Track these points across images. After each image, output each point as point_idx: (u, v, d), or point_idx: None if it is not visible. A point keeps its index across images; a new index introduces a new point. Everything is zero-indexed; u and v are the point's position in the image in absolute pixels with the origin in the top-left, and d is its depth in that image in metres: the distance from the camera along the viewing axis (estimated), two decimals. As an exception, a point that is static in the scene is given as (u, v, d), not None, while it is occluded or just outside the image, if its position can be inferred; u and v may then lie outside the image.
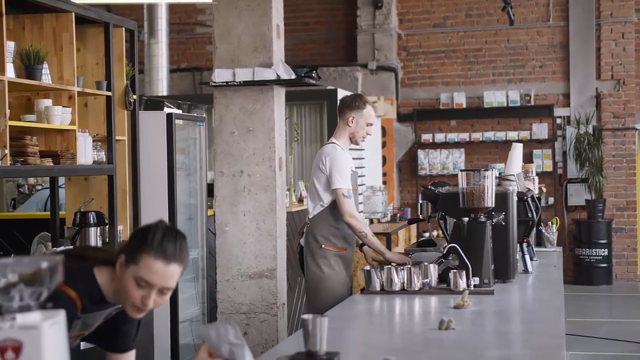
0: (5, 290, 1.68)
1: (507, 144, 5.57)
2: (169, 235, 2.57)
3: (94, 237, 5.20)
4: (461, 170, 4.35)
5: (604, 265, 11.93)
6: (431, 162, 12.58)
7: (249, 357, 2.33)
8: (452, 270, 4.11)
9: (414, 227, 10.59)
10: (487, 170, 4.30)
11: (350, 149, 8.87)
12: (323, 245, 5.06)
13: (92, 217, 5.23)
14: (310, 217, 5.18)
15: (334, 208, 5.02)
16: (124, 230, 5.63)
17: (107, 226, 5.37)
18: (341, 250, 5.10)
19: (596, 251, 11.89)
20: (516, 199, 4.59)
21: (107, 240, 5.39)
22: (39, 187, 8.04)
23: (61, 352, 1.69)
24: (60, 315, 1.70)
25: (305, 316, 2.64)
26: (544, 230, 6.21)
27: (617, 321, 9.69)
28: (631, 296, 11.44)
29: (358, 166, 9.77)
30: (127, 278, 2.54)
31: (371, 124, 5.20)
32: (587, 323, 9.36)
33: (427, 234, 10.44)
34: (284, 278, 5.69)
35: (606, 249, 11.92)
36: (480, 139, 12.43)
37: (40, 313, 1.69)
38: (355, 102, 5.18)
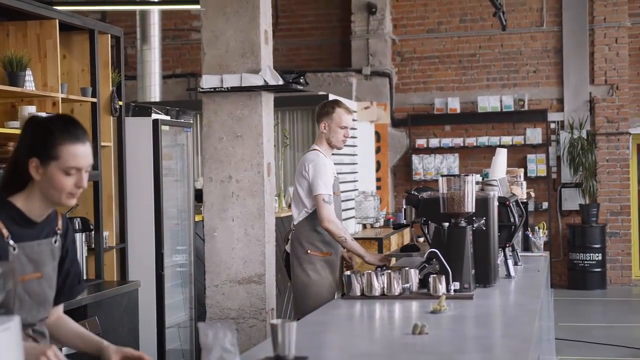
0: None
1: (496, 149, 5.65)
2: (67, 121, 2.66)
3: (80, 243, 5.21)
4: (442, 176, 4.37)
5: (598, 269, 11.94)
6: (425, 167, 12.60)
7: None
8: (431, 275, 4.12)
9: (407, 232, 10.60)
10: (468, 175, 4.31)
11: (341, 154, 8.88)
12: (309, 251, 5.13)
13: (77, 223, 5.24)
14: (295, 223, 5.24)
15: None
16: (109, 236, 5.65)
17: (92, 232, 5.39)
18: (327, 255, 5.15)
19: (590, 256, 11.89)
20: (497, 204, 4.60)
21: (92, 246, 5.41)
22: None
23: (14, 357, 1.70)
24: (14, 321, 1.72)
25: (273, 321, 2.67)
26: (530, 235, 6.21)
27: (610, 326, 9.69)
28: (625, 301, 11.44)
29: (351, 171, 9.81)
30: (53, 174, 2.60)
31: (345, 127, 5.22)
32: (580, 327, 9.36)
33: (421, 239, 10.44)
34: (272, 283, 5.71)
35: (600, 254, 11.92)
36: (475, 144, 12.45)
37: (-8, 319, 1.71)
38: (324, 108, 5.26)
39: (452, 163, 12.52)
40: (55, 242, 2.74)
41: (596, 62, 12.32)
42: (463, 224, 4.29)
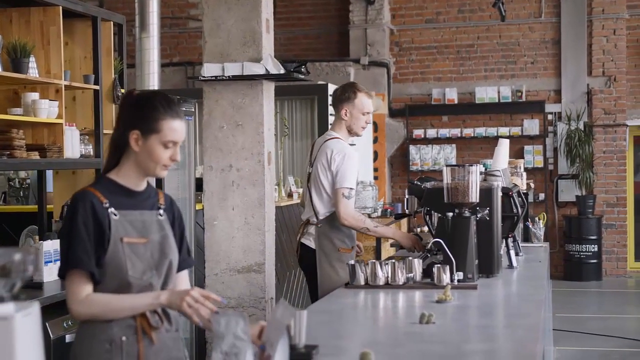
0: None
1: (498, 140, 5.65)
2: (167, 98, 2.83)
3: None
4: (446, 166, 4.35)
5: (594, 261, 11.98)
6: (423, 157, 12.61)
7: (249, 355, 2.33)
8: (436, 265, 4.13)
9: (404, 222, 10.61)
10: (472, 165, 4.31)
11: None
12: (340, 249, 4.96)
13: (79, 211, 5.22)
14: (320, 218, 4.99)
15: None
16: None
17: (94, 220, 5.37)
18: (352, 251, 5.06)
19: (586, 247, 11.93)
20: (501, 194, 4.60)
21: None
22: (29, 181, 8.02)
23: (34, 343, 1.70)
24: (34, 307, 1.72)
25: (284, 310, 2.65)
26: (530, 226, 6.23)
27: (606, 317, 9.73)
28: (620, 292, 11.48)
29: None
30: (152, 146, 2.77)
31: (367, 113, 4.98)
32: (576, 318, 9.40)
33: (418, 229, 10.46)
34: (272, 273, 5.71)
35: (596, 245, 11.96)
36: (472, 135, 12.47)
37: (13, 304, 1.71)
38: (345, 93, 5.00)
39: (449, 154, 12.53)
40: (160, 215, 2.87)
41: (594, 54, 12.33)
42: (467, 214, 4.29)
